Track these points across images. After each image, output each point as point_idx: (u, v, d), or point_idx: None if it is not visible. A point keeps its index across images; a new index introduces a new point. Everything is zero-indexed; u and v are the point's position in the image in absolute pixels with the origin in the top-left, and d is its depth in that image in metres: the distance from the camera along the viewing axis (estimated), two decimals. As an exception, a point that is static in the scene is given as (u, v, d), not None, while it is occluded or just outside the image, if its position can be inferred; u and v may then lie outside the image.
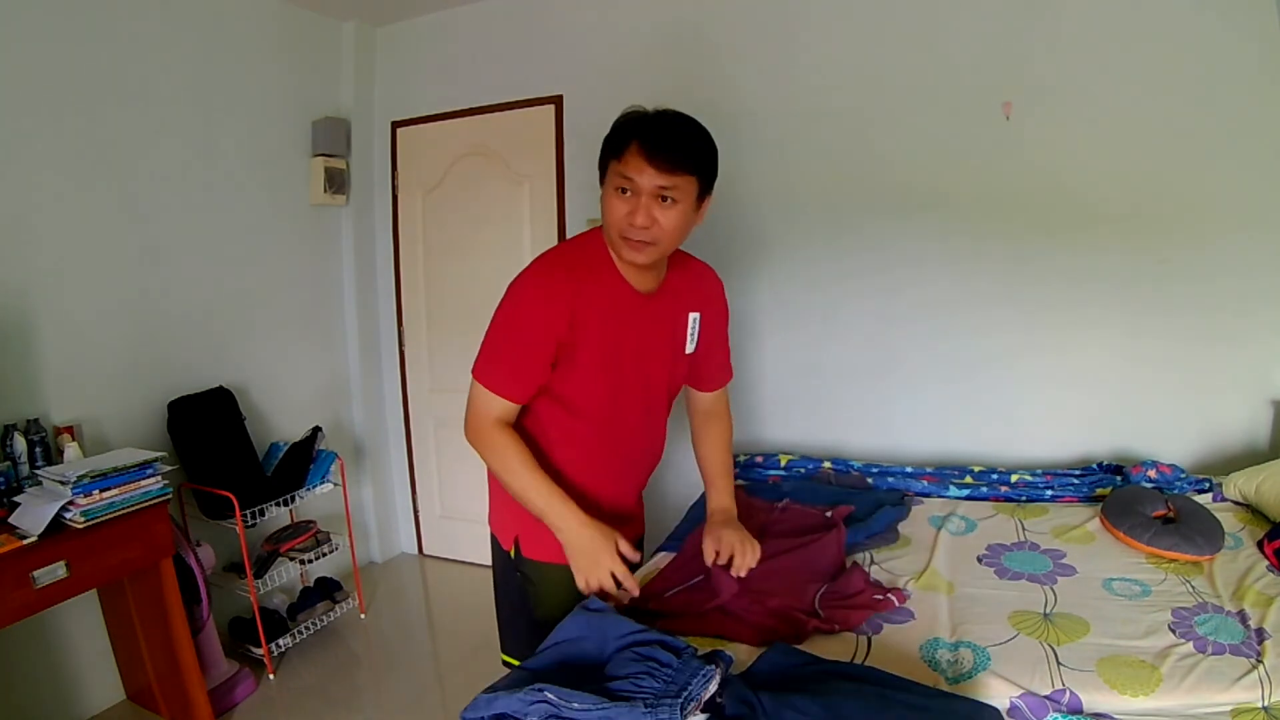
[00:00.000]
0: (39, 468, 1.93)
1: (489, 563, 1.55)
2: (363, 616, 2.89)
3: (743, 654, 1.20)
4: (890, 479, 2.06)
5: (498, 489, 1.49)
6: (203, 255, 2.57)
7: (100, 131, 2.24)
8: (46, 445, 2.00)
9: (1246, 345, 1.99)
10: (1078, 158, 2.09)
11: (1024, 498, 1.93)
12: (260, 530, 2.59)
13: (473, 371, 1.31)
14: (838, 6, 2.34)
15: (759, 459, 2.27)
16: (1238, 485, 1.76)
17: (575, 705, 0.89)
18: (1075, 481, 1.93)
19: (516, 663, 1.35)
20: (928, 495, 1.99)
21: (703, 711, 0.94)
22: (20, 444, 1.94)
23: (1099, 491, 1.88)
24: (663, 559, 1.60)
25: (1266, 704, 1.04)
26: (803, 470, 2.18)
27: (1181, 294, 2.03)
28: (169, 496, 2.00)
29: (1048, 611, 1.33)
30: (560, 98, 2.82)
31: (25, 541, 1.70)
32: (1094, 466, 2.01)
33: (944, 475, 2.05)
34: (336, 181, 2.99)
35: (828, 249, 2.45)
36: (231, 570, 2.52)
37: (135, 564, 1.96)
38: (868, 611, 1.32)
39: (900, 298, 2.37)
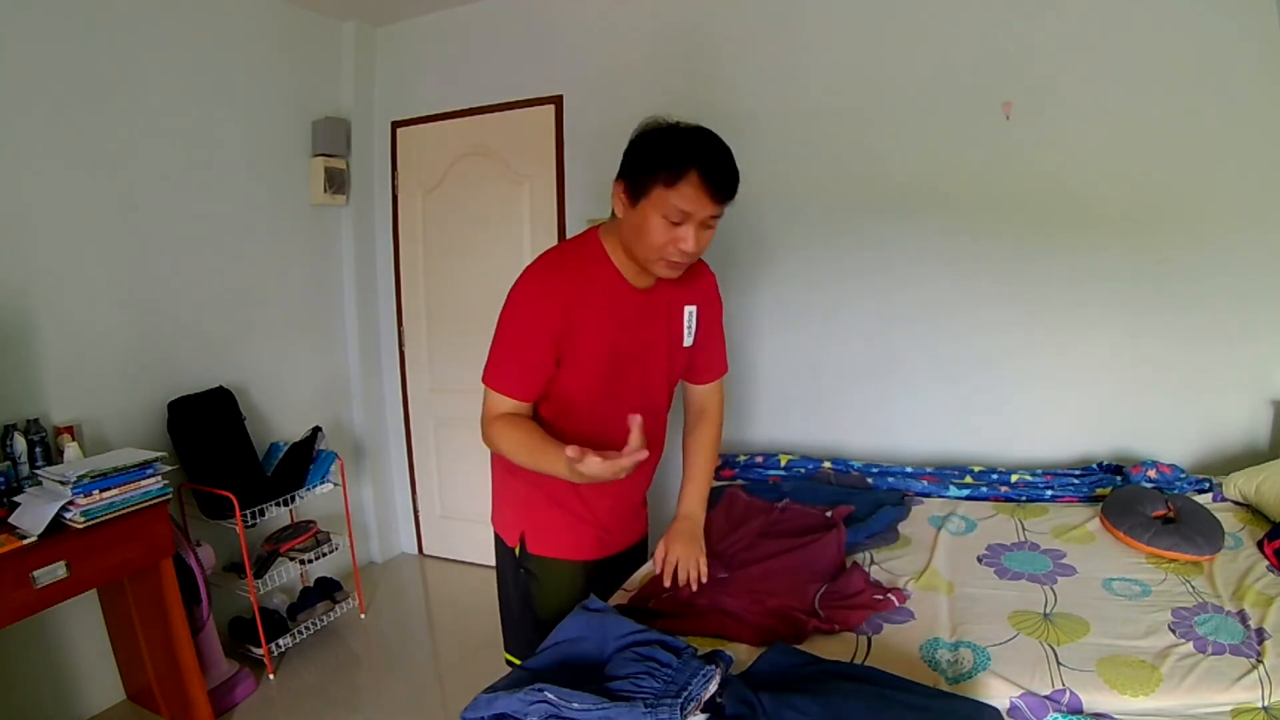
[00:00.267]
0: (39, 468, 1.94)
1: (489, 562, 1.56)
2: (363, 616, 2.89)
3: (743, 654, 1.20)
4: (890, 479, 2.06)
5: (500, 488, 1.49)
6: (203, 255, 2.57)
7: (100, 131, 2.24)
8: (46, 445, 2.00)
9: (1246, 345, 1.99)
10: (1077, 158, 2.09)
11: (1024, 498, 1.93)
12: (260, 530, 2.59)
13: (482, 378, 1.33)
14: (838, 7, 2.34)
15: (759, 459, 2.26)
16: (1238, 485, 1.77)
17: (575, 705, 0.89)
18: (1075, 481, 1.93)
19: (520, 662, 1.36)
20: (928, 495, 1.99)
21: (703, 711, 0.94)
22: (20, 444, 1.94)
23: (1099, 491, 1.88)
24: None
25: (1266, 704, 1.04)
26: (803, 470, 2.18)
27: (1181, 294, 2.03)
28: (169, 496, 2.00)
29: (1048, 611, 1.34)
30: (560, 98, 2.82)
31: (25, 541, 1.70)
32: (1094, 466, 2.01)
33: (944, 475, 2.05)
34: (336, 181, 3.00)
35: (828, 249, 2.45)
36: (231, 570, 2.52)
37: (135, 564, 1.96)
38: (868, 611, 1.32)
39: (900, 298, 2.37)
